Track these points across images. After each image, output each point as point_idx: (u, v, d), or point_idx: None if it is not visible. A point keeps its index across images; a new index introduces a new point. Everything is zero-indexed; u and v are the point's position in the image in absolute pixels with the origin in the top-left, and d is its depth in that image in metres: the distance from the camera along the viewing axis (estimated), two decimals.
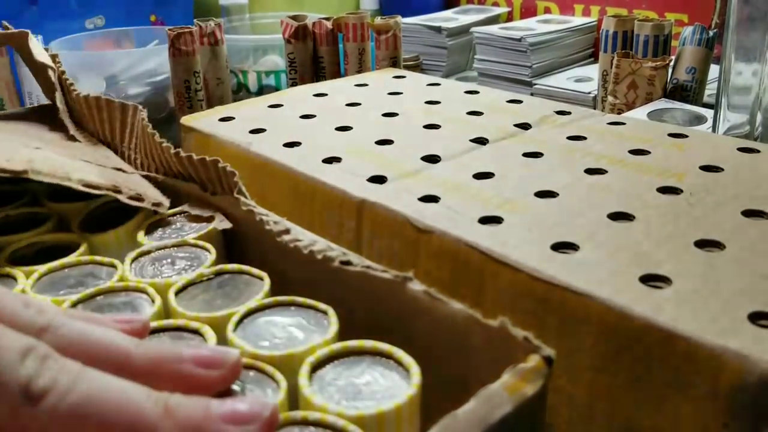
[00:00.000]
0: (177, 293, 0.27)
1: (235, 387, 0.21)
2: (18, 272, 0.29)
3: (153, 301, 0.26)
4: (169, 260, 0.29)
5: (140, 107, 0.38)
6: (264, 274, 0.27)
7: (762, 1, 0.47)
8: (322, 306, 0.25)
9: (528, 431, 0.20)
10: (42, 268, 0.29)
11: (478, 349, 0.22)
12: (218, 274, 0.28)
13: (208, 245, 0.30)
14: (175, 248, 0.30)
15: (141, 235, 0.31)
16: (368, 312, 0.25)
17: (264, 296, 0.26)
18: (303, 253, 0.27)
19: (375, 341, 0.23)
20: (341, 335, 0.24)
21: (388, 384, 0.21)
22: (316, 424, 0.20)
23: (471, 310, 0.22)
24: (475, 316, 0.22)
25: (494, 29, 0.86)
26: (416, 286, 0.23)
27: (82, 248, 0.30)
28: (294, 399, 0.21)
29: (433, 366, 0.23)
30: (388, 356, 0.22)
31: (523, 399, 0.19)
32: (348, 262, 0.25)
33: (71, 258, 0.29)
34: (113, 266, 0.29)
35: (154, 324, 0.25)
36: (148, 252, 0.30)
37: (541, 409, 0.20)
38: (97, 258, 0.29)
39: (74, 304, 0.26)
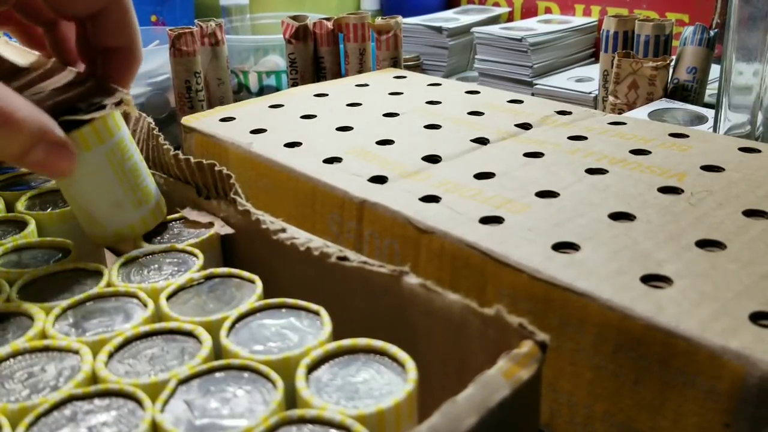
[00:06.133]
0: (168, 298, 0.26)
1: (230, 388, 0.21)
2: (1, 280, 0.28)
3: (145, 305, 0.26)
4: (156, 266, 0.29)
5: (144, 115, 0.38)
6: (256, 277, 0.27)
7: (763, 1, 0.47)
8: (314, 306, 0.25)
9: (524, 413, 0.21)
10: (26, 276, 0.28)
11: (475, 337, 0.22)
12: (208, 278, 0.28)
13: (196, 250, 0.29)
14: (163, 254, 0.30)
15: (140, 241, 0.31)
16: (366, 306, 0.25)
17: (257, 299, 0.26)
18: (300, 250, 0.27)
19: (368, 339, 0.23)
20: (339, 331, 0.24)
21: (385, 381, 0.21)
22: (313, 421, 0.20)
23: (467, 299, 0.22)
24: (471, 305, 0.22)
25: (495, 29, 0.86)
26: (412, 280, 0.24)
27: (72, 254, 0.30)
28: (291, 402, 0.21)
29: (431, 356, 0.23)
30: (382, 353, 0.22)
31: (520, 383, 0.20)
32: (345, 258, 0.25)
33: (55, 265, 0.29)
34: (99, 272, 0.28)
35: (146, 328, 0.24)
36: (135, 258, 0.29)
37: (537, 393, 0.21)
38: (81, 264, 0.29)
39: (64, 310, 0.26)
